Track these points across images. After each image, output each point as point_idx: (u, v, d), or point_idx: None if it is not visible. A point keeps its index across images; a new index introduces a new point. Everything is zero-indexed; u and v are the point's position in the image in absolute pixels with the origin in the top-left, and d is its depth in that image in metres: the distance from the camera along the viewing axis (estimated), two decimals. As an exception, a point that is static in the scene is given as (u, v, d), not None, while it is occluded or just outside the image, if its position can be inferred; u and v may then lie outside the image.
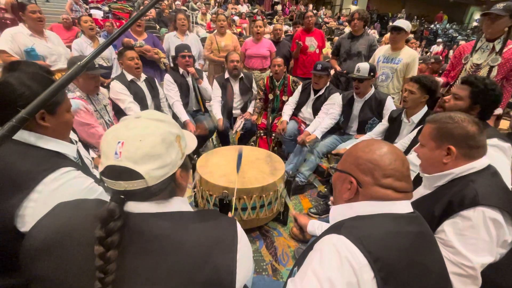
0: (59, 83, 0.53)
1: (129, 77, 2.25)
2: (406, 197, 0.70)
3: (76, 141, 1.16)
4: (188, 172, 0.67)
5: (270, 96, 2.93)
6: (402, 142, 1.82)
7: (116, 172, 0.54)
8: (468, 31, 12.90)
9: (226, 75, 2.84)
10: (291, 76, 2.95)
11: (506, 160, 1.12)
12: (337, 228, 0.65)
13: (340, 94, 2.53)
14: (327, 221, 1.33)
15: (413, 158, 1.53)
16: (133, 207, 0.57)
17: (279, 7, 11.66)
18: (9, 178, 0.71)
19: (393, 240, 0.61)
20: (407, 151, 1.69)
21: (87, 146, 1.33)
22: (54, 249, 0.54)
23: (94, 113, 1.84)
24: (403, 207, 0.69)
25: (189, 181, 0.80)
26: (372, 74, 2.21)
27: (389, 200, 0.67)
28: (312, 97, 2.67)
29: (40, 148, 0.80)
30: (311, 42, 3.43)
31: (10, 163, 0.72)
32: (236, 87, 2.89)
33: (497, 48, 2.01)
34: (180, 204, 0.64)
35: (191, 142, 0.70)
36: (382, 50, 2.71)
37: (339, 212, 0.74)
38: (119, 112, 2.20)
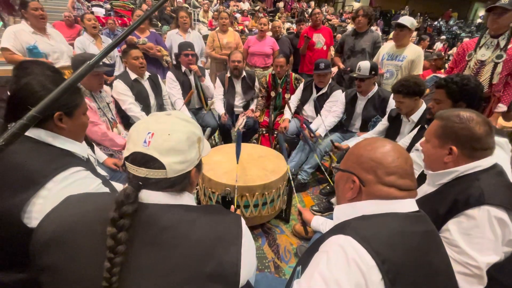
0: (68, 82, 0.54)
1: (133, 76, 2.25)
2: (410, 195, 0.68)
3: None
4: (200, 173, 0.71)
5: (272, 94, 2.92)
6: (403, 141, 1.81)
7: (141, 159, 0.58)
8: (472, 28, 12.75)
9: (229, 74, 2.84)
10: (293, 74, 2.94)
11: (505, 156, 1.11)
12: (343, 228, 0.64)
13: (343, 91, 2.52)
14: (331, 218, 1.33)
15: (415, 157, 1.53)
16: (146, 196, 0.59)
17: (281, 4, 11.58)
18: (21, 174, 0.72)
19: (400, 240, 0.60)
20: (407, 150, 1.68)
21: (92, 145, 1.34)
22: (63, 240, 0.56)
23: (97, 110, 1.84)
24: (408, 205, 0.67)
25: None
26: (373, 72, 2.19)
27: (393, 199, 0.66)
28: (314, 95, 2.66)
29: (54, 146, 0.82)
30: (318, 39, 3.41)
31: (24, 160, 0.74)
32: (238, 85, 2.89)
33: (502, 44, 1.99)
34: (189, 199, 0.67)
35: (207, 147, 0.76)
36: (387, 48, 2.68)
37: (343, 212, 0.73)
38: (121, 110, 2.21)
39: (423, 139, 1.08)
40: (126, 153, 0.60)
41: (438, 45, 9.87)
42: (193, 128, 0.65)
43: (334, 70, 4.55)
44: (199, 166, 0.68)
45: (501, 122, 2.29)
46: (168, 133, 0.59)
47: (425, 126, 1.61)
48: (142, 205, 0.58)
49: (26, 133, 0.71)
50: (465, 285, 0.84)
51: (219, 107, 2.81)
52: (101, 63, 2.08)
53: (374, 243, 0.58)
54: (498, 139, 1.13)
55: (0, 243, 0.72)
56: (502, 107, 2.11)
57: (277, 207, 1.90)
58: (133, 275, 0.54)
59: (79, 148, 0.89)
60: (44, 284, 0.57)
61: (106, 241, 0.52)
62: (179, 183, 0.63)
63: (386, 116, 2.10)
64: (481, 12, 14.68)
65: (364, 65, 2.19)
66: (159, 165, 0.58)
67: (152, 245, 0.55)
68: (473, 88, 1.30)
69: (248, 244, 0.63)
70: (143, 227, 0.56)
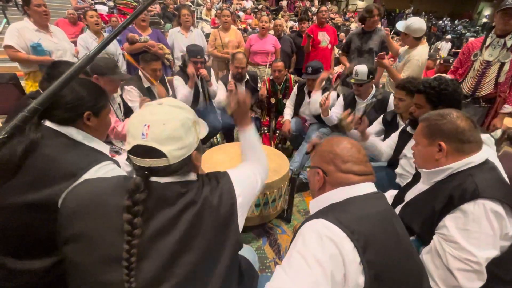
0: (68, 75, 0.54)
1: (146, 84, 2.25)
2: (367, 179, 0.79)
3: None
4: (201, 154, 0.77)
5: (273, 101, 2.90)
6: (387, 142, 1.78)
7: (142, 151, 0.63)
8: (477, 27, 12.60)
9: (230, 78, 2.79)
10: (292, 76, 2.90)
11: (492, 151, 1.11)
12: (314, 215, 0.74)
13: (338, 94, 2.50)
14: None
15: (404, 163, 1.56)
16: (157, 180, 0.66)
17: (284, 3, 11.51)
18: (60, 166, 0.79)
19: (365, 215, 0.71)
20: (397, 152, 1.67)
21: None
22: (89, 209, 0.62)
23: (113, 112, 1.86)
24: (367, 188, 0.77)
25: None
26: (371, 76, 2.15)
27: (352, 184, 0.76)
28: (308, 99, 2.62)
29: (85, 144, 0.90)
30: (323, 37, 3.36)
31: (61, 154, 0.82)
32: (241, 88, 2.85)
33: (509, 44, 1.97)
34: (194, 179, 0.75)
35: (203, 129, 0.81)
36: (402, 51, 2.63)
37: (315, 204, 0.83)
38: (127, 112, 2.20)
39: (414, 143, 1.10)
40: (127, 147, 0.64)
41: (443, 45, 9.65)
42: (187, 114, 0.69)
43: (338, 69, 4.51)
44: (199, 148, 0.73)
45: (506, 123, 2.26)
46: (163, 123, 0.63)
47: (407, 129, 1.62)
48: (154, 183, 0.65)
49: (61, 130, 0.85)
50: (465, 282, 0.83)
51: (221, 92, 2.74)
52: (121, 71, 2.07)
53: (343, 220, 0.67)
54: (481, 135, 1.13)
55: (37, 230, 0.76)
56: (508, 108, 2.08)
57: (279, 207, 1.89)
58: (152, 242, 0.60)
59: (102, 147, 0.96)
60: (68, 255, 0.62)
61: (124, 225, 0.58)
62: (182, 167, 0.68)
63: (380, 118, 2.05)
64: (486, 12, 14.53)
65: (362, 69, 2.12)
66: (160, 154, 0.62)
67: (168, 217, 0.63)
68: (451, 93, 1.29)
69: (235, 173, 0.81)
70: (158, 202, 0.63)
